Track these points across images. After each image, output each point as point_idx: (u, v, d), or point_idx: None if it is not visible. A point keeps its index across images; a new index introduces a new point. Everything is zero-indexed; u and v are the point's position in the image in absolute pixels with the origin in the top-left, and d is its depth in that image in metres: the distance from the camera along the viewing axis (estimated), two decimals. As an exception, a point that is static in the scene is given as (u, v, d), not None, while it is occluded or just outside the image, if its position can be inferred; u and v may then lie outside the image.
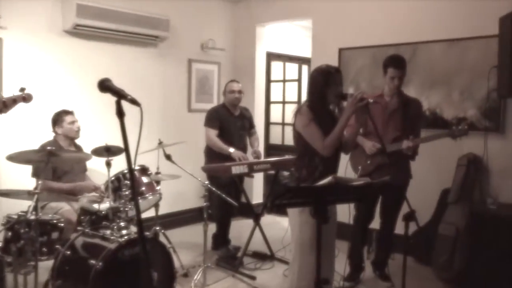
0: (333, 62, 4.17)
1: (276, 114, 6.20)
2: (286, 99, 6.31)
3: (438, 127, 3.84)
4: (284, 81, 6.33)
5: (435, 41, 3.98)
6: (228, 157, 3.65)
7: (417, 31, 4.07)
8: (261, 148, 4.92)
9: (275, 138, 6.09)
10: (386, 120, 3.01)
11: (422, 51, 4.07)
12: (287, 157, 3.67)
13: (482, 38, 3.73)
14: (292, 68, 6.35)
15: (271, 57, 5.84)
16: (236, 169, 3.36)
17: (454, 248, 3.33)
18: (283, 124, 6.17)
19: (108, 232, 2.72)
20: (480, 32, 3.73)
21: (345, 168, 2.87)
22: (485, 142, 3.67)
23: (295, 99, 6.29)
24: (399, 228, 2.85)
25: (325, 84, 2.19)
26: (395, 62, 2.97)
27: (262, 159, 3.75)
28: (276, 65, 6.20)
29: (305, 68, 6.34)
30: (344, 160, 2.78)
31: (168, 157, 3.39)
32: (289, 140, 5.31)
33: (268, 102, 5.91)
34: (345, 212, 2.67)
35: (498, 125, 3.69)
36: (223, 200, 3.32)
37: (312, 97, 2.24)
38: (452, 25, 3.88)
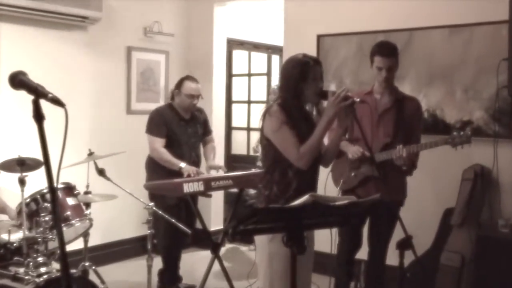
0: (311, 51, 3.92)
1: (239, 116, 6.24)
2: (252, 98, 6.33)
3: (439, 132, 3.89)
4: (249, 75, 6.35)
5: (434, 27, 4.05)
6: (178, 172, 3.71)
7: (413, 16, 4.14)
8: (219, 159, 4.94)
9: (239, 147, 6.13)
10: (375, 123, 3.08)
11: (419, 40, 4.14)
12: (253, 171, 3.68)
13: (490, 24, 3.81)
14: (259, 59, 6.38)
15: (233, 45, 5.83)
16: (189, 187, 3.36)
17: (460, 282, 3.39)
18: (248, 129, 6.22)
19: (21, 270, 2.67)
20: (488, 17, 3.80)
21: (325, 183, 2.86)
22: (495, 151, 3.72)
23: (264, 97, 6.28)
24: (392, 258, 2.88)
25: (301, 78, 2.23)
26: (382, 49, 3.04)
27: (222, 173, 3.79)
28: (239, 55, 6.22)
29: (275, 58, 6.37)
30: (324, 173, 2.80)
31: (101, 172, 3.42)
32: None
33: (229, 102, 5.92)
34: (326, 239, 2.65)
35: (510, 130, 3.75)
36: (172, 226, 3.37)
37: (285, 95, 2.28)
38: (454, 8, 3.95)
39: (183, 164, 3.71)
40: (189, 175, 3.56)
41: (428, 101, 4.09)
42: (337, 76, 4.55)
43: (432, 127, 4.03)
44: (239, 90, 6.29)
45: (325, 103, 2.27)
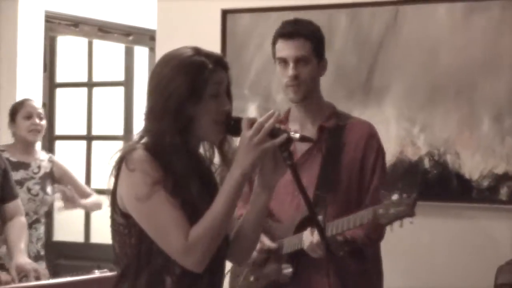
0: (211, 42, 4.05)
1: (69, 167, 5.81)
2: (96, 130, 6.26)
3: (451, 195, 3.88)
4: (90, 84, 6.23)
5: (437, 0, 4.03)
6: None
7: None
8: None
9: (69, 226, 6.05)
10: (289, 179, 2.78)
11: (411, 22, 4.08)
12: (97, 273, 3.46)
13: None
14: (111, 54, 6.30)
15: (57, 25, 5.68)
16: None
17: None
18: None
19: None
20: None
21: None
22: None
23: (120, 130, 6.10)
24: None
25: (190, 95, 2.12)
26: (286, 27, 3.09)
27: (44, 280, 3.70)
28: (71, 45, 6.26)
29: (142, 53, 6.18)
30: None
31: None
32: (101, 231, 4.31)
33: (50, 137, 5.87)
34: None
35: None
36: None
37: (160, 126, 2.14)
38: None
39: None
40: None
41: (430, 136, 4.01)
42: (260, 86, 4.38)
43: (439, 185, 3.94)
44: (70, 115, 6.27)
45: (236, 142, 2.18)
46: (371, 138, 3.17)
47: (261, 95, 4.38)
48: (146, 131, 2.17)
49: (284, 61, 3.06)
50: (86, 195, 4.44)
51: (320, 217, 2.91)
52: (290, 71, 3.05)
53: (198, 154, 2.24)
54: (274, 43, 3.14)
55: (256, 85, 4.37)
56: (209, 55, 2.15)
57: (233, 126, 2.14)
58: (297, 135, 2.11)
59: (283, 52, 3.07)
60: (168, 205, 2.08)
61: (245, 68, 4.39)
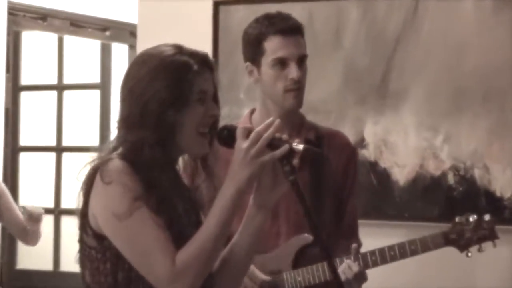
0: (202, 38, 4.25)
1: (36, 182, 6.10)
2: (67, 140, 6.20)
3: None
4: (60, 87, 6.16)
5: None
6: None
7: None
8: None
9: (36, 251, 5.61)
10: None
11: (432, 15, 4.02)
12: None
13: None
14: (84, 52, 6.28)
15: (22, 19, 5.67)
16: None
17: None
18: (57, 211, 6.11)
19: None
20: None
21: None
22: None
23: (95, 139, 6.02)
24: None
25: (173, 100, 2.09)
26: (281, 22, 2.99)
27: None
28: (37, 42, 6.26)
29: (120, 51, 6.17)
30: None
31: None
32: (73, 258, 3.66)
33: (13, 148, 5.92)
34: None
35: None
36: None
37: (136, 136, 2.10)
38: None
39: None
40: None
41: (455, 147, 3.93)
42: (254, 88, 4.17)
43: (465, 205, 3.79)
44: (37, 122, 6.24)
45: (226, 154, 2.19)
46: (348, 148, 3.14)
47: (253, 98, 4.11)
48: (121, 141, 2.09)
49: (281, 62, 2.92)
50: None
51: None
52: (295, 72, 2.91)
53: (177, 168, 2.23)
54: (260, 41, 2.98)
55: (254, 88, 3.80)
56: (193, 54, 2.11)
57: (227, 136, 2.09)
58: (301, 147, 2.03)
59: (282, 50, 2.93)
60: (152, 225, 2.00)
61: (240, 68, 3.87)
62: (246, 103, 4.18)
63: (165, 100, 2.06)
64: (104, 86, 6.05)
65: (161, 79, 2.06)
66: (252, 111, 3.13)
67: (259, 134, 1.99)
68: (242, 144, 2.01)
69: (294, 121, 3.07)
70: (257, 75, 2.97)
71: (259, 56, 2.95)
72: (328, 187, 3.07)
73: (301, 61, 2.95)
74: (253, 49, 2.99)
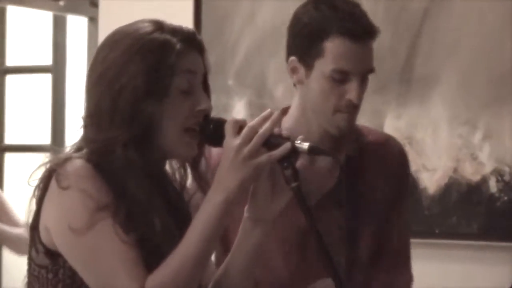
0: (180, 11, 4.27)
1: None
2: (9, 139, 6.09)
3: None
4: (2, 71, 5.99)
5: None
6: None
7: None
8: None
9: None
10: (299, 233, 2.77)
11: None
12: None
13: None
14: (32, 28, 6.07)
15: None
16: None
17: None
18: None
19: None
20: None
21: None
22: None
23: (47, 137, 5.80)
24: None
25: (149, 90, 1.99)
26: (355, 21, 2.73)
27: None
28: None
29: (78, 25, 5.83)
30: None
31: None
32: (17, 276, 3.82)
33: None
34: None
35: None
36: None
37: (106, 134, 2.00)
38: None
39: None
40: None
41: (497, 146, 3.84)
42: (251, 74, 4.28)
43: (509, 216, 3.81)
44: None
45: (215, 155, 2.15)
46: (404, 165, 2.92)
47: (252, 87, 4.20)
48: (87, 141, 1.94)
49: (342, 73, 2.64)
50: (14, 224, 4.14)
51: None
52: (356, 93, 2.63)
53: (163, 174, 2.05)
54: (319, 38, 2.71)
55: (245, 73, 4.22)
56: (176, 31, 1.98)
57: (213, 131, 1.95)
58: (306, 145, 1.89)
59: (347, 62, 2.67)
60: (116, 241, 1.88)
61: (228, 49, 4.23)
62: (236, 91, 4.16)
63: (141, 89, 1.92)
64: (57, 69, 5.73)
65: (136, 62, 1.92)
66: (284, 111, 2.76)
67: (253, 129, 1.85)
68: (232, 141, 1.87)
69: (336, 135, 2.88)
70: (304, 78, 2.67)
71: (314, 57, 2.66)
72: (367, 207, 2.82)
73: (365, 78, 2.69)
74: (307, 45, 2.70)
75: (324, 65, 2.59)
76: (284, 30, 3.32)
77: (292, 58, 2.67)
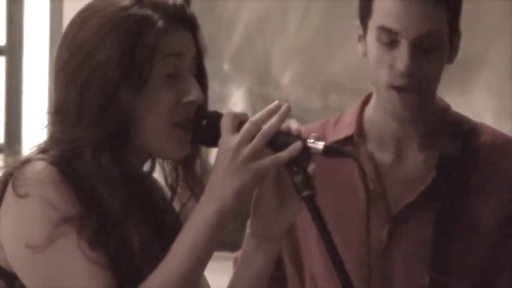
0: None
1: None
2: None
3: None
4: None
5: None
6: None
7: None
8: None
9: None
10: (380, 246, 2.79)
11: None
12: None
13: None
14: None
15: None
16: None
17: None
18: None
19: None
20: None
21: None
22: None
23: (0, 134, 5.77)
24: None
25: (126, 75, 1.95)
26: None
27: None
28: None
29: (36, 0, 5.73)
30: None
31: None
32: None
33: None
34: None
35: None
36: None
37: (75, 132, 2.03)
38: None
39: None
40: None
41: None
42: (251, 57, 4.42)
43: None
44: None
45: (212, 155, 2.03)
46: None
47: (253, 73, 4.31)
48: (52, 142, 1.97)
49: (390, 33, 2.62)
50: None
51: None
52: (405, 59, 2.57)
53: (148, 179, 2.05)
54: None
55: (243, 55, 4.34)
56: (158, 5, 1.92)
57: (207, 127, 1.91)
58: (320, 145, 1.84)
59: (393, 18, 2.64)
60: (81, 260, 1.86)
61: (223, 28, 4.30)
62: (232, 78, 4.19)
63: (114, 78, 1.87)
64: (12, 51, 5.50)
65: (107, 45, 1.88)
66: (367, 100, 2.74)
67: (256, 125, 1.80)
68: (229, 140, 1.83)
69: (422, 123, 2.73)
70: (364, 45, 2.64)
71: (367, 16, 2.66)
72: (466, 227, 2.70)
73: (421, 43, 2.57)
74: (362, 3, 2.71)
75: (373, 24, 2.58)
76: (292, 3, 3.57)
77: (357, 24, 2.66)
